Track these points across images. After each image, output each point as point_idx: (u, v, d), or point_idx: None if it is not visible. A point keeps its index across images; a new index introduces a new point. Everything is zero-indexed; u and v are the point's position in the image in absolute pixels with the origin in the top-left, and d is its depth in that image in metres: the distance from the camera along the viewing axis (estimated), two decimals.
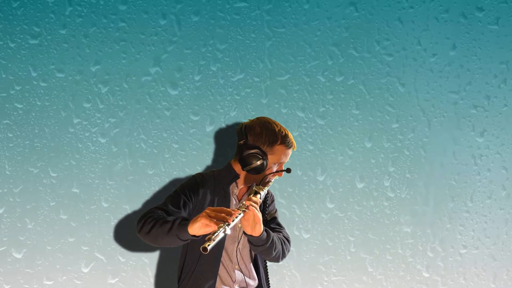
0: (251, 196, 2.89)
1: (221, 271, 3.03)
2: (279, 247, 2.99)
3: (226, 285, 3.04)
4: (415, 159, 3.88)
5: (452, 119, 3.93)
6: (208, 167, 3.59)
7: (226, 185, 3.05)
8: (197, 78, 3.61)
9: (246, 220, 2.80)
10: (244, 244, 3.08)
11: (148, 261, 3.52)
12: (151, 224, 2.86)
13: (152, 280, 3.52)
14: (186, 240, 2.81)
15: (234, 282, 3.05)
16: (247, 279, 3.09)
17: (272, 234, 2.95)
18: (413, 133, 3.88)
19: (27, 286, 3.40)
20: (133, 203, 3.51)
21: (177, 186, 3.09)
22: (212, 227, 2.68)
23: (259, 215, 2.81)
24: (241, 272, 3.08)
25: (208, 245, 2.56)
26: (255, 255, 3.14)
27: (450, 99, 3.93)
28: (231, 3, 3.66)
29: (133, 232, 3.50)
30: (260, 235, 2.85)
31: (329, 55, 3.79)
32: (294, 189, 3.70)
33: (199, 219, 2.72)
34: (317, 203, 3.74)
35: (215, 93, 3.63)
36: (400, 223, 3.85)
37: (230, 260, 3.05)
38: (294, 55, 3.74)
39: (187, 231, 2.75)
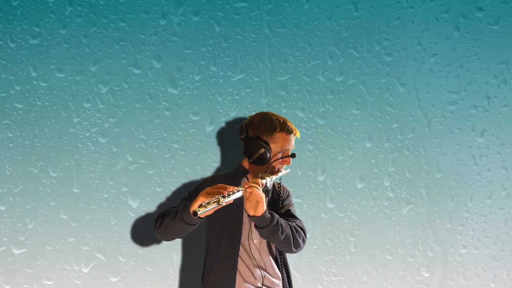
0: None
1: (241, 267, 3.03)
2: (287, 231, 2.96)
3: (248, 283, 3.03)
4: (415, 159, 3.88)
5: (452, 119, 3.93)
6: (208, 167, 3.59)
7: (237, 180, 3.08)
8: (197, 78, 3.61)
9: (250, 201, 2.83)
10: (261, 239, 3.06)
11: (148, 261, 3.52)
12: (162, 218, 2.94)
13: (152, 280, 3.52)
14: (192, 224, 2.84)
15: (256, 279, 3.04)
16: (272, 278, 3.08)
17: (278, 217, 2.94)
18: (413, 133, 3.88)
19: (27, 286, 3.40)
20: (133, 203, 3.50)
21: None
22: None
23: (262, 195, 2.82)
24: (263, 269, 3.06)
25: (199, 210, 2.62)
26: (276, 253, 3.13)
27: (450, 99, 3.93)
28: (231, 3, 3.66)
29: (133, 232, 3.50)
30: (263, 214, 2.85)
31: (329, 55, 3.79)
32: (294, 189, 3.70)
33: (198, 198, 2.76)
34: (317, 203, 3.74)
35: (215, 93, 3.63)
36: (400, 223, 3.85)
37: (249, 256, 3.04)
38: (294, 55, 3.74)
39: (190, 213, 2.78)
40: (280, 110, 3.69)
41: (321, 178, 3.76)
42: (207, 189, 2.78)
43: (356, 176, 3.80)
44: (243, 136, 3.09)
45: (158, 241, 3.51)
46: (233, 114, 3.64)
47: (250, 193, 2.81)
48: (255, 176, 3.10)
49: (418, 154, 3.88)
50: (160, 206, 3.52)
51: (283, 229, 2.94)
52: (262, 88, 3.69)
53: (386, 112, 3.85)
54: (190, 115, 3.59)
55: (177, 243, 3.54)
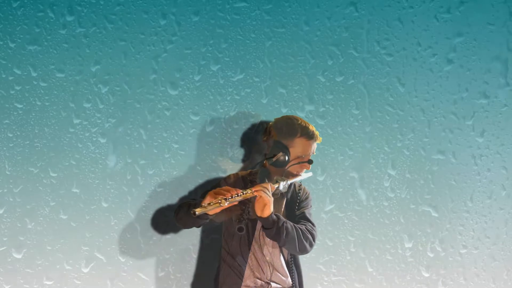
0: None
1: (252, 261, 3.15)
2: (292, 234, 3.03)
3: (256, 277, 3.13)
4: (415, 159, 3.88)
5: (452, 119, 3.93)
6: (208, 167, 3.59)
7: (258, 180, 3.18)
8: (197, 78, 3.61)
9: (258, 203, 2.96)
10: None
11: (148, 261, 3.52)
12: (179, 210, 3.14)
13: (152, 280, 3.52)
14: (202, 219, 3.00)
15: (265, 275, 3.13)
16: (280, 275, 3.16)
17: (284, 220, 3.03)
18: (413, 133, 3.88)
19: (27, 286, 3.40)
20: (133, 203, 3.51)
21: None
22: None
23: (269, 198, 2.95)
24: (272, 266, 3.14)
25: (198, 210, 2.82)
26: (287, 252, 3.19)
27: (450, 99, 3.93)
28: (231, 3, 3.66)
29: (133, 232, 3.51)
30: (268, 216, 2.96)
31: (329, 55, 3.79)
32: None
33: (206, 196, 2.94)
34: (317, 203, 3.74)
35: (215, 93, 3.63)
36: (400, 223, 3.85)
37: (261, 252, 3.15)
38: (294, 55, 3.74)
39: None
40: (280, 110, 3.69)
41: (321, 178, 3.76)
42: (216, 189, 2.95)
43: (356, 176, 3.80)
44: (265, 138, 3.20)
45: (158, 241, 3.52)
46: (233, 114, 3.64)
47: (260, 196, 2.93)
48: (275, 177, 3.19)
49: (418, 154, 3.88)
50: (160, 206, 3.52)
51: (288, 231, 3.02)
52: (262, 88, 3.69)
53: (386, 112, 3.85)
54: (190, 115, 3.59)
55: (177, 243, 3.54)
